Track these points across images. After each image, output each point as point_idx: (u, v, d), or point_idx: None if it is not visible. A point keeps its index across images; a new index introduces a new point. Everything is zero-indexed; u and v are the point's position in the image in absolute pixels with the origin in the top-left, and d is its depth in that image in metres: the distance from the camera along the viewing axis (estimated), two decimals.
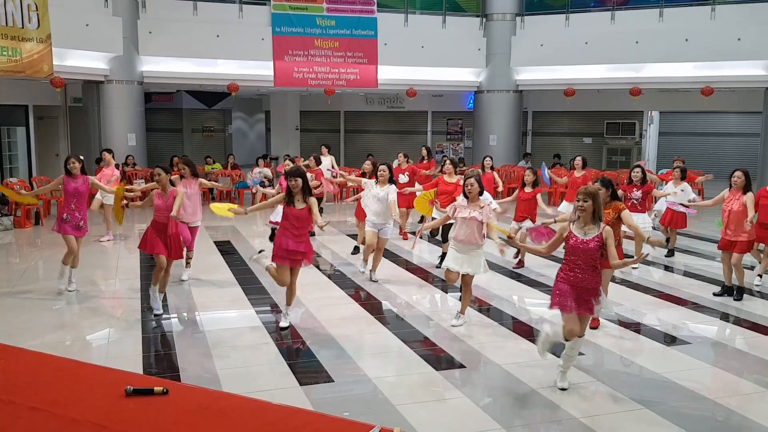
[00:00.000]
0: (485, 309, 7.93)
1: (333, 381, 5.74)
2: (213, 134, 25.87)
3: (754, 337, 7.02)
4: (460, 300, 7.37)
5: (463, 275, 7.02)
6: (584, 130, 22.54)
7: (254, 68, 18.02)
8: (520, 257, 9.89)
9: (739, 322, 7.55)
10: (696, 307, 8.00)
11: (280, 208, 9.82)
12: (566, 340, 5.41)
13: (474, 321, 7.43)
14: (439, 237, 10.98)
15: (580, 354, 6.43)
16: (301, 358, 6.31)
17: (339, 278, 9.38)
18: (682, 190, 10.28)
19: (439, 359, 6.30)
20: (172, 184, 7.72)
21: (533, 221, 9.52)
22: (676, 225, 10.46)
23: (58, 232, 8.20)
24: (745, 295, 8.27)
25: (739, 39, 16.83)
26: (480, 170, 10.45)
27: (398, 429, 3.34)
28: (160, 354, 6.43)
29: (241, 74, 17.96)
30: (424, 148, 14.72)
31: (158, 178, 7.58)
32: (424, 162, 13.96)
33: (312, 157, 13.03)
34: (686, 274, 9.74)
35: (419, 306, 8.10)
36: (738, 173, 8.05)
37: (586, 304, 5.33)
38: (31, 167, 18.06)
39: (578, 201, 5.21)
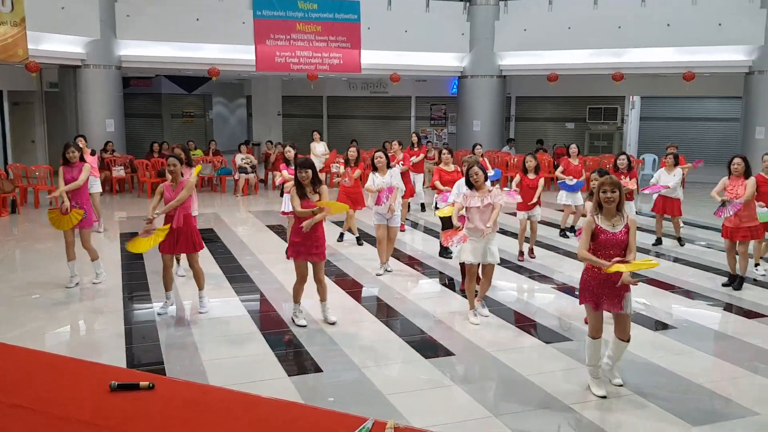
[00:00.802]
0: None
1: (322, 371, 5.67)
2: (193, 120, 25.54)
3: (743, 322, 7.06)
4: (463, 293, 7.35)
5: (484, 266, 6.90)
6: (567, 115, 22.53)
7: (235, 52, 17.75)
8: (530, 246, 9.69)
9: (730, 308, 7.56)
10: (685, 293, 8.01)
11: (287, 197, 9.67)
12: (593, 338, 5.23)
13: (462, 309, 7.38)
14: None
15: (567, 339, 6.43)
16: (288, 349, 6.22)
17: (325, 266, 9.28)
18: (674, 176, 10.13)
19: (429, 348, 6.25)
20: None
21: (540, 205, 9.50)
22: (671, 213, 10.24)
23: None
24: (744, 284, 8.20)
25: (719, 24, 16.89)
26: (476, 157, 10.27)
27: (392, 421, 3.27)
28: (144, 346, 6.29)
29: (221, 58, 17.69)
30: (414, 134, 14.60)
31: (173, 169, 6.95)
32: (415, 149, 13.85)
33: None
34: (677, 261, 9.72)
35: (408, 295, 8.03)
36: (737, 160, 7.94)
37: (618, 300, 5.12)
38: (6, 154, 17.70)
39: (604, 192, 5.00)
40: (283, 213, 9.79)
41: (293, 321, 6.81)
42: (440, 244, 10.07)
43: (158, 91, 24.12)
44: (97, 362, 4.37)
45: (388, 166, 8.75)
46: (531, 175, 9.32)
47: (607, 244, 5.03)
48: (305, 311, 6.94)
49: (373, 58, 18.63)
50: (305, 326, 6.69)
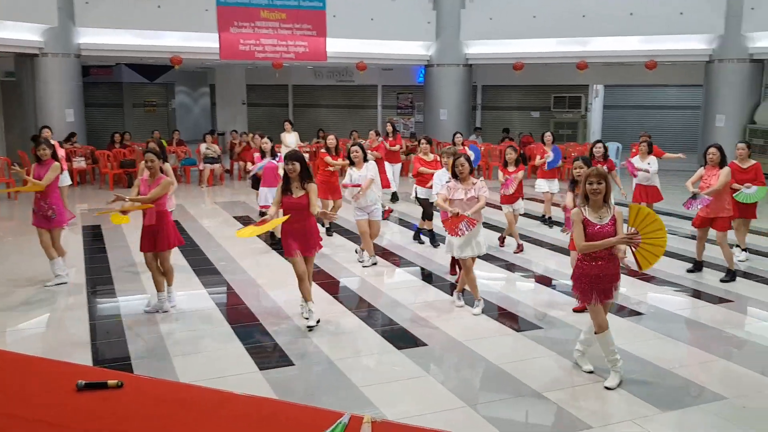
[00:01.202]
0: (447, 286, 7.86)
1: (293, 364, 5.60)
2: (155, 109, 25.06)
3: (711, 308, 7.16)
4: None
5: (464, 260, 6.79)
6: (532, 103, 22.66)
7: (198, 40, 17.41)
8: (519, 243, 9.50)
9: (698, 294, 7.65)
10: (659, 281, 8.08)
11: (264, 191, 9.50)
12: (603, 332, 5.17)
13: (433, 299, 7.37)
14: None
15: (539, 328, 6.45)
16: (258, 342, 6.13)
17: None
18: (649, 164, 10.18)
19: (402, 339, 6.21)
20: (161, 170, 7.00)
21: (522, 198, 9.40)
22: (652, 200, 10.21)
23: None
24: (705, 270, 8.29)
25: (681, 13, 17.10)
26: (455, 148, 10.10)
27: (368, 416, 3.22)
28: (111, 343, 6.14)
29: (184, 47, 17.34)
30: (389, 123, 14.49)
31: (150, 165, 6.69)
32: (390, 138, 13.75)
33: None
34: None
35: (381, 287, 7.98)
36: (712, 149, 7.95)
37: (609, 292, 5.12)
38: None
39: (591, 184, 4.95)
40: (262, 207, 9.63)
41: (306, 322, 6.44)
42: (416, 228, 10.01)
43: (119, 80, 23.59)
44: (62, 360, 4.24)
45: (365, 160, 8.64)
46: (511, 168, 9.20)
47: (595, 238, 4.97)
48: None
49: (338, 47, 18.46)
50: (314, 326, 6.36)
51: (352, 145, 8.74)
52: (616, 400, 4.95)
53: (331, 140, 10.27)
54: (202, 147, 16.27)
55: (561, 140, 20.71)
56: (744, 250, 8.85)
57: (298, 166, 6.18)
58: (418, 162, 9.51)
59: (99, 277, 8.13)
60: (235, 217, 12.09)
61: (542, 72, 20.55)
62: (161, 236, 6.71)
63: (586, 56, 18.22)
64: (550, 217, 11.15)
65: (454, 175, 6.81)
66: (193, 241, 10.08)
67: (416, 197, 9.65)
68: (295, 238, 6.27)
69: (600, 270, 5.03)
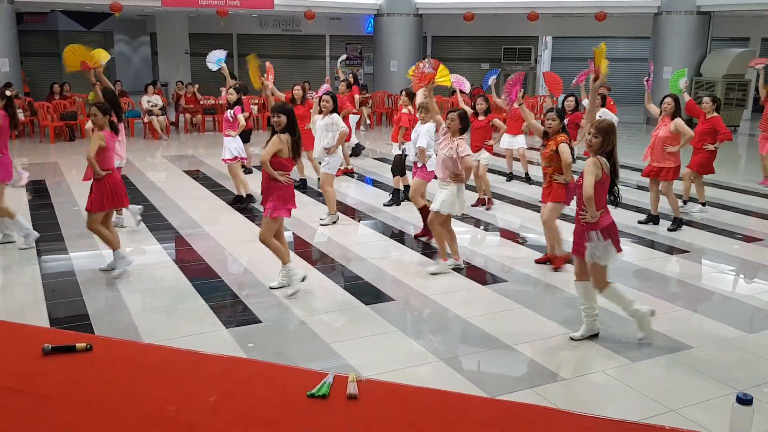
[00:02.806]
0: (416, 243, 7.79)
1: (260, 322, 5.48)
2: None
3: (666, 259, 7.32)
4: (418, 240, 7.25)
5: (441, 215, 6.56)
6: (482, 55, 22.55)
7: None
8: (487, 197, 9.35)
9: (651, 245, 7.80)
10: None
11: (228, 141, 9.08)
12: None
13: (400, 255, 7.32)
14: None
15: (504, 281, 6.46)
16: (222, 299, 5.98)
17: (258, 213, 9.00)
18: (600, 116, 10.17)
19: (368, 294, 6.15)
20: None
21: (490, 151, 9.11)
22: None
23: None
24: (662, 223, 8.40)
25: None
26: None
27: (353, 375, 3.16)
28: (67, 303, 5.89)
29: None
30: (351, 74, 14.15)
31: (94, 120, 6.29)
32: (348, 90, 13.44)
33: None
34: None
35: (344, 242, 7.83)
36: (668, 99, 8.02)
37: (579, 248, 5.02)
38: None
39: (589, 134, 4.86)
40: (225, 160, 9.26)
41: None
42: (394, 187, 9.68)
43: (54, 28, 22.42)
44: (25, 324, 4.04)
45: (334, 111, 8.36)
46: (481, 117, 8.98)
47: (577, 188, 4.96)
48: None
49: None
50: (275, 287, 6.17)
51: (324, 95, 8.50)
52: (586, 352, 5.02)
53: (297, 90, 9.90)
54: (143, 100, 15.68)
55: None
56: (703, 204, 9.02)
57: (284, 119, 5.79)
58: (406, 118, 9.17)
59: (48, 234, 7.79)
60: (185, 171, 11.76)
61: (492, 23, 20.42)
62: (109, 194, 6.33)
63: (537, 7, 18.15)
64: (511, 173, 11.15)
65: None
66: (143, 196, 9.75)
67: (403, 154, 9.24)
68: (263, 195, 6.05)
69: (576, 223, 5.02)
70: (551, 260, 6.82)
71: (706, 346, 5.08)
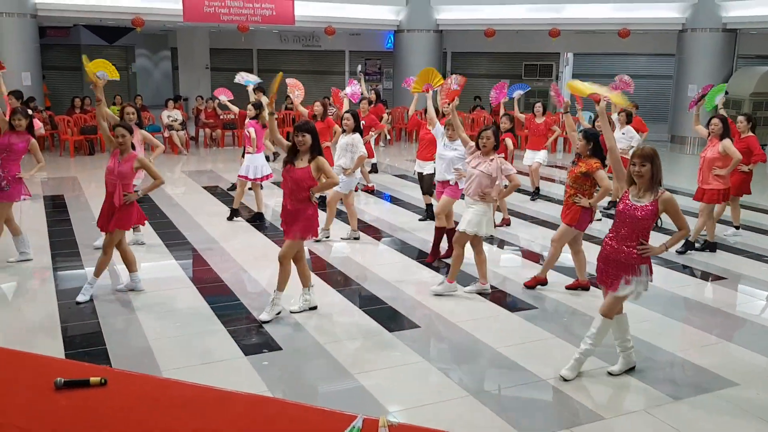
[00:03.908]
0: (434, 267, 7.52)
1: (281, 349, 5.27)
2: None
3: (702, 286, 7.04)
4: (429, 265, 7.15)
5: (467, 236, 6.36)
6: (503, 71, 22.35)
7: (161, 1, 16.65)
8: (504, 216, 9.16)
9: (691, 272, 7.53)
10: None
11: (249, 157, 8.93)
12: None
13: (418, 276, 7.10)
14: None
15: (533, 307, 6.21)
16: (241, 324, 5.78)
17: (279, 234, 8.82)
18: (623, 134, 9.95)
19: (390, 319, 5.93)
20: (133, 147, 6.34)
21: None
22: None
23: None
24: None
25: None
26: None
27: (383, 419, 2.94)
28: (82, 326, 5.70)
29: (146, 8, 16.56)
30: (372, 91, 14.00)
31: (121, 140, 6.03)
32: (372, 106, 13.27)
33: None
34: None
35: (366, 264, 7.59)
36: (714, 120, 7.79)
37: (611, 279, 4.66)
38: None
39: (634, 165, 4.52)
40: (241, 177, 9.07)
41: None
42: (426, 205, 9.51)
43: (76, 42, 22.54)
44: (36, 353, 3.86)
45: (357, 130, 8.20)
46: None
47: (620, 215, 4.59)
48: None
49: (306, 10, 17.84)
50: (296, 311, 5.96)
51: (345, 112, 8.34)
52: (624, 388, 4.75)
53: (318, 107, 9.76)
54: (164, 115, 15.63)
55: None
56: (737, 227, 8.73)
57: (308, 137, 5.49)
58: (418, 129, 9.06)
59: (64, 252, 7.66)
60: (204, 187, 11.63)
61: (513, 39, 20.24)
62: (124, 214, 6.14)
63: (559, 23, 17.95)
64: (537, 189, 10.93)
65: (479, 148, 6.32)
66: (162, 213, 9.62)
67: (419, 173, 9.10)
68: (282, 216, 5.80)
69: (610, 250, 4.67)
70: (583, 287, 6.58)
71: (753, 383, 4.79)
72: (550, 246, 6.56)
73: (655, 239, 4.67)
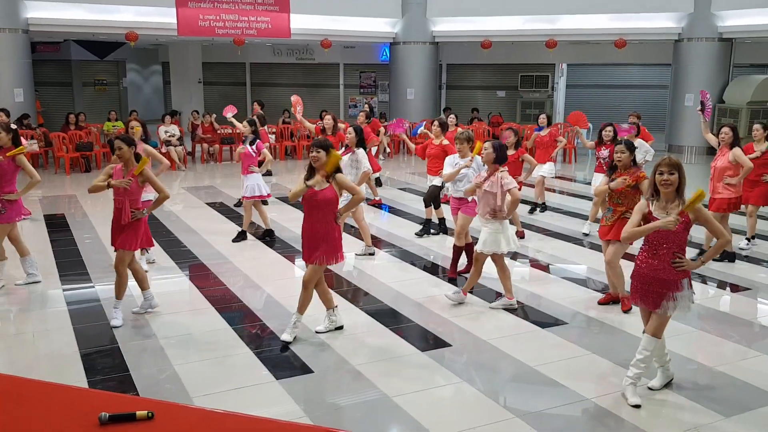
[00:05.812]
0: (452, 280, 7.37)
1: (312, 372, 5.09)
2: (106, 88, 23.82)
3: (726, 296, 6.93)
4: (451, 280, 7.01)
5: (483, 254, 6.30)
6: (498, 83, 22.35)
7: (155, 15, 16.43)
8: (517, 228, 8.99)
9: (723, 285, 7.42)
10: None
11: (252, 178, 8.66)
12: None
13: (438, 291, 6.93)
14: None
15: (563, 323, 6.06)
16: (268, 346, 5.58)
17: (290, 250, 8.63)
18: (637, 148, 9.82)
19: (420, 338, 5.77)
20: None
21: (520, 188, 8.76)
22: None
23: None
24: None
25: None
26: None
27: None
28: (101, 350, 5.48)
29: (139, 22, 16.33)
30: (366, 105, 13.84)
31: (119, 153, 5.84)
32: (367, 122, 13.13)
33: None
34: None
35: (385, 280, 7.42)
36: (725, 129, 7.73)
37: (655, 298, 4.52)
38: None
39: (661, 174, 4.40)
40: (245, 198, 8.76)
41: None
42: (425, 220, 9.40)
43: (67, 57, 22.31)
44: (76, 386, 3.65)
45: (360, 145, 8.06)
46: (510, 151, 8.61)
47: (657, 233, 4.44)
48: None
49: (301, 23, 17.72)
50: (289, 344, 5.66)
51: (349, 127, 8.19)
52: (670, 404, 4.62)
53: (328, 120, 9.54)
54: (161, 131, 15.41)
55: (528, 120, 20.49)
56: (752, 237, 8.56)
57: (323, 154, 5.33)
58: (425, 146, 8.90)
59: (72, 273, 7.43)
60: (207, 204, 11.42)
61: (508, 50, 20.24)
62: (131, 232, 5.94)
63: (555, 34, 17.95)
64: (544, 203, 10.79)
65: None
66: (169, 231, 9.40)
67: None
68: (304, 239, 5.59)
69: (652, 268, 4.50)
70: (616, 301, 6.44)
71: None
72: (607, 268, 6.39)
73: None
